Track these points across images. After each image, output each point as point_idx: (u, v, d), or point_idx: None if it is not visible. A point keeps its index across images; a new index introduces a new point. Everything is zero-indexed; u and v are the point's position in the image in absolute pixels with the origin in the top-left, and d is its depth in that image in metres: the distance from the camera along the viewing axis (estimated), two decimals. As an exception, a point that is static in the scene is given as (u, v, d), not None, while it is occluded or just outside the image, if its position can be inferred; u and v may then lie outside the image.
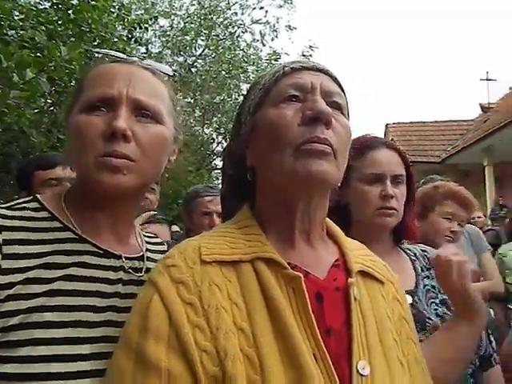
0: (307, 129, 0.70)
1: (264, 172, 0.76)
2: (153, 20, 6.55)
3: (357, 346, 0.68)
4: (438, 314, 1.18)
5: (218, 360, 0.61)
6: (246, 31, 12.13)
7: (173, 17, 11.76)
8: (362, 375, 0.66)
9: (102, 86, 0.79)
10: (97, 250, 0.80)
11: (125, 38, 5.22)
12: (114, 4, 5.22)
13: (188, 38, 11.69)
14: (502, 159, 9.06)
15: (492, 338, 1.30)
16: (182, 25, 11.80)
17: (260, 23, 12.05)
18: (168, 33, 11.77)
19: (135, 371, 0.62)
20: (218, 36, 11.79)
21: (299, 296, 0.67)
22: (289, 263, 0.70)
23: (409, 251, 1.31)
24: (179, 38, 11.66)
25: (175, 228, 4.17)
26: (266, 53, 12.16)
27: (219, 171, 10.32)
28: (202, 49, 11.91)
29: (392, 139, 9.92)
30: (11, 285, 0.70)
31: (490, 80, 12.79)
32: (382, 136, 1.50)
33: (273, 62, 11.53)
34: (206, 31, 11.58)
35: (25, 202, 0.80)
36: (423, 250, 1.33)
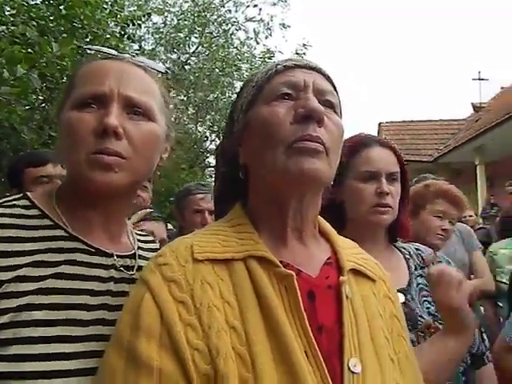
0: (299, 127, 0.70)
1: (256, 170, 0.76)
2: (146, 17, 6.49)
3: (348, 344, 0.68)
4: (431, 313, 1.18)
5: (210, 358, 0.61)
6: (240, 29, 12.11)
7: (166, 14, 11.68)
8: (353, 372, 0.66)
9: (93, 82, 0.79)
10: (88, 248, 0.79)
11: (118, 35, 5.17)
12: (107, 0, 5.18)
13: (181, 35, 11.62)
14: (493, 158, 9.13)
15: (485, 336, 1.31)
16: (176, 22, 11.73)
17: (254, 21, 12.03)
18: (161, 30, 11.68)
19: (126, 370, 0.61)
20: (211, 33, 11.74)
21: (291, 294, 0.67)
22: (281, 261, 0.70)
23: (403, 250, 1.31)
24: (173, 36, 11.59)
25: (169, 226, 4.15)
26: (260, 51, 12.17)
27: (212, 169, 10.31)
28: (195, 46, 11.86)
29: (385, 138, 9.93)
30: (1, 283, 0.69)
31: (481, 80, 12.87)
32: (375, 135, 1.50)
33: (266, 60, 11.51)
34: (200, 29, 11.52)
35: (15, 200, 0.79)
36: (417, 249, 1.33)
